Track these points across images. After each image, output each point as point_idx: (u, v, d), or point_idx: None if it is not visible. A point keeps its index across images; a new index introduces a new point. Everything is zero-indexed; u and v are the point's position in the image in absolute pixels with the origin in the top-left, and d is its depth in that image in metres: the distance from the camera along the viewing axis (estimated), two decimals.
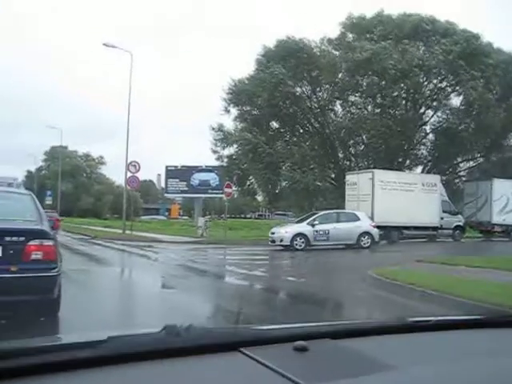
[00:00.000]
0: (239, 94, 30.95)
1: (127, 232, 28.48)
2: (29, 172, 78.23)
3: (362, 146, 32.80)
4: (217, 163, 33.75)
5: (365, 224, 21.91)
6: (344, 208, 24.87)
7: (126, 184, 29.76)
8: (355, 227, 21.56)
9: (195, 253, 19.97)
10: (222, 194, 43.11)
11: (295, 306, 8.38)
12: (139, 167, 28.83)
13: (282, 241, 21.17)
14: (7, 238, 5.38)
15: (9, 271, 5.29)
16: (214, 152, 31.99)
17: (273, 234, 22.04)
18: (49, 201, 52.51)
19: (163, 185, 73.48)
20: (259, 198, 37.62)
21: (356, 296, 9.20)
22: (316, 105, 31.60)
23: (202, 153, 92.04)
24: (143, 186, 58.96)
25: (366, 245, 21.56)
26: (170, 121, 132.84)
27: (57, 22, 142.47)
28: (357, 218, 21.94)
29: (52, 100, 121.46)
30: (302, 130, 32.05)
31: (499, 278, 9.71)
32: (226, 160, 32.01)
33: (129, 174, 28.70)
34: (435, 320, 1.77)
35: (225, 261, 17.93)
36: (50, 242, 5.60)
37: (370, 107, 31.53)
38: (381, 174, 25.24)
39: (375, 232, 22.09)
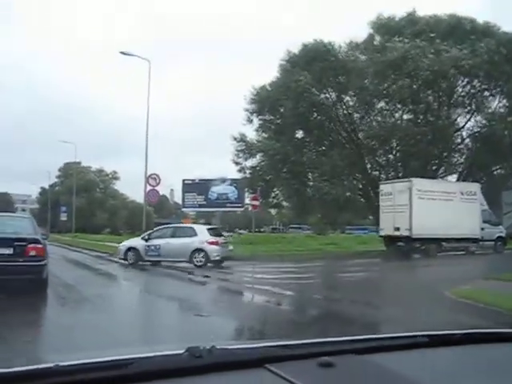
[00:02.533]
0: (262, 103, 30.05)
1: None
2: (42, 188, 77.66)
3: (390, 155, 31.31)
4: (238, 175, 32.82)
5: (200, 240, 19.38)
6: (378, 220, 23.99)
7: (145, 198, 28.35)
8: (189, 243, 19.29)
9: (227, 270, 18.43)
10: (240, 207, 43.33)
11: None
12: (159, 180, 27.52)
13: (118, 254, 20.61)
14: (16, 243, 9.45)
15: (18, 262, 9.28)
16: (237, 163, 31.05)
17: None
18: (64, 217, 51.50)
19: (177, 199, 71.34)
20: (283, 210, 35.91)
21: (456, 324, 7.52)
22: (343, 112, 30.53)
23: (217, 167, 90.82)
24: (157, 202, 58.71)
25: (200, 263, 19.01)
26: (182, 135, 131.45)
27: (69, 31, 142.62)
28: (194, 234, 19.77)
29: (64, 115, 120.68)
30: (329, 139, 30.77)
31: None
32: (248, 171, 30.93)
33: (148, 188, 27.37)
34: (462, 333, 1.72)
35: (272, 281, 15.86)
36: (40, 245, 9.67)
37: (398, 114, 30.35)
38: (419, 183, 23.89)
39: (210, 249, 19.24)
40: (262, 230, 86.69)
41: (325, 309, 9.99)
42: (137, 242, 20.59)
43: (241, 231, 67.13)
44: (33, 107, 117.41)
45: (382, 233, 25.11)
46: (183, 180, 42.53)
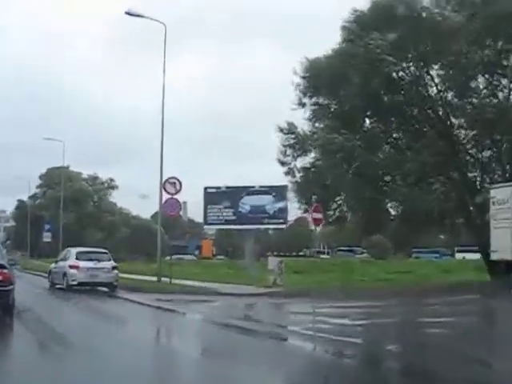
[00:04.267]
0: (317, 79, 28.68)
1: (164, 280, 26.93)
2: (20, 201, 76.44)
3: (492, 150, 29.43)
4: (284, 180, 32.06)
5: (67, 264, 24.67)
6: (482, 240, 24.73)
7: (160, 210, 28.33)
8: (62, 267, 25.04)
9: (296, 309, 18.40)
10: (283, 223, 41.52)
11: None
12: (180, 186, 27.18)
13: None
14: None
15: None
16: (283, 164, 30.17)
17: None
18: (47, 238, 49.94)
19: (190, 215, 70.79)
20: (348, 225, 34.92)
21: None
22: (429, 92, 28.89)
23: (245, 174, 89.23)
24: (165, 218, 57.62)
25: (63, 287, 24.23)
26: (198, 133, 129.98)
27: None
28: (68, 257, 25.49)
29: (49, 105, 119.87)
30: (412, 128, 29.30)
31: None
32: (299, 174, 30.17)
33: (165, 196, 27.14)
34: None
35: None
36: (6, 271, 12.88)
37: (504, 92, 28.36)
38: None
39: (70, 273, 24.05)
40: (301, 253, 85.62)
41: None
42: (53, 265, 26.59)
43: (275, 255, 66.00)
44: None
45: (495, 257, 23.76)
46: (205, 188, 41.55)
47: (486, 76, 28.24)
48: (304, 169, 29.94)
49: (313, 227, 27.55)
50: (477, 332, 13.40)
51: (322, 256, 72.39)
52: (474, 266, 34.30)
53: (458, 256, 65.32)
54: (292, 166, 30.03)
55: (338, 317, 16.58)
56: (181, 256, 68.91)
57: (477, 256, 50.55)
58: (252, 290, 24.25)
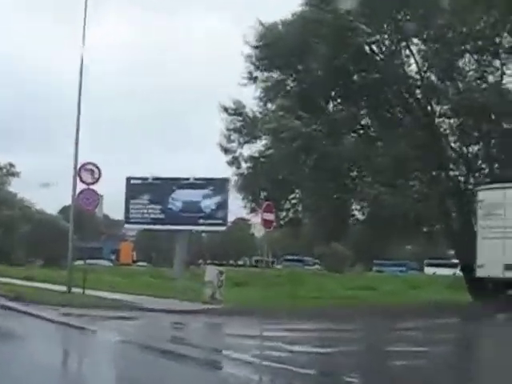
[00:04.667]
0: (272, 49, 28.80)
1: (75, 291, 26.15)
2: None
3: (476, 146, 30.10)
4: (228, 172, 32.15)
5: None
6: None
7: (73, 203, 27.69)
8: None
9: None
10: (221, 225, 41.08)
11: None
12: (99, 174, 26.87)
13: None
14: None
15: None
16: (226, 151, 30.34)
17: None
18: None
19: (107, 212, 70.22)
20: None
21: None
22: (408, 71, 29.13)
23: (181, 165, 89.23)
24: (77, 214, 57.37)
25: None
26: (122, 116, 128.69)
27: None
28: None
29: None
30: (387, 114, 29.54)
31: None
32: (247, 165, 30.38)
33: (80, 187, 26.77)
34: None
35: None
36: None
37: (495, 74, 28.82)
38: None
39: None
40: (240, 262, 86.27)
41: None
42: None
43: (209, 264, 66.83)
44: None
45: (481, 273, 24.13)
46: (128, 179, 40.64)
47: (475, 56, 28.52)
48: (252, 158, 30.03)
49: (257, 231, 27.66)
50: (457, 366, 13.10)
51: (266, 266, 72.65)
52: (449, 283, 34.70)
53: (428, 270, 66.65)
54: (237, 154, 30.17)
55: (288, 342, 16.20)
56: (94, 261, 68.19)
57: (449, 271, 51.33)
58: (184, 306, 23.77)
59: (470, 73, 28.81)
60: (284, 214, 30.28)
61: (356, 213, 29.98)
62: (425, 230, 29.50)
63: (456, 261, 58.03)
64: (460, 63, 28.58)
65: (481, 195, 24.34)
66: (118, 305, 23.62)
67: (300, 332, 18.89)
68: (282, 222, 30.36)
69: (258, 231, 27.94)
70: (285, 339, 16.77)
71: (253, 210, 29.70)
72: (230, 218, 43.09)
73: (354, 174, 28.87)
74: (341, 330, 19.49)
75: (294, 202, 30.34)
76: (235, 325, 20.93)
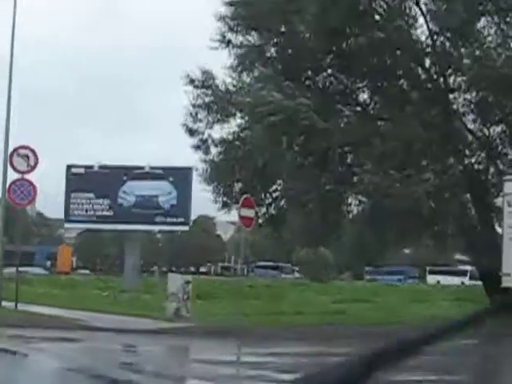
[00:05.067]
0: (250, 8, 29.16)
1: (5, 305, 26.66)
2: None
3: (498, 127, 30.27)
4: (192, 159, 32.42)
5: None
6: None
7: (3, 196, 27.92)
8: None
9: None
10: (183, 224, 41.82)
11: None
12: (36, 161, 27.22)
13: None
14: None
15: None
16: (191, 132, 30.77)
17: None
18: None
19: (42, 209, 71.21)
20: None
21: None
22: (416, 35, 29.26)
23: (135, 152, 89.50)
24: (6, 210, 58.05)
25: None
26: (63, 94, 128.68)
27: None
28: None
29: None
30: (389, 87, 29.59)
31: None
32: (217, 149, 30.74)
33: (12, 177, 27.46)
34: None
35: None
36: None
37: None
38: None
39: None
40: (202, 269, 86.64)
41: None
42: None
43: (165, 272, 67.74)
44: None
45: (508, 283, 23.99)
46: (68, 167, 41.60)
47: (496, 18, 28.63)
48: (224, 141, 30.34)
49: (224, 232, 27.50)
50: None
51: (234, 274, 73.40)
52: (457, 294, 34.87)
53: (431, 279, 67.10)
54: (206, 136, 30.46)
55: (276, 369, 16.52)
56: (25, 269, 67.97)
57: (456, 280, 51.65)
58: (141, 324, 24.09)
59: (489, 38, 28.81)
60: (264, 210, 30.73)
61: (352, 208, 30.49)
62: (436, 228, 29.64)
63: (465, 268, 59.41)
64: (478, 26, 28.68)
65: (508, 187, 24.44)
66: (59, 323, 23.56)
67: (289, 357, 19.01)
68: (260, 221, 30.65)
69: (225, 231, 28.17)
70: (273, 365, 17.04)
71: (225, 205, 29.80)
72: (192, 216, 43.73)
73: (350, 159, 29.06)
74: (336, 354, 18.69)
75: (275, 195, 30.75)
76: (208, 347, 21.03)
